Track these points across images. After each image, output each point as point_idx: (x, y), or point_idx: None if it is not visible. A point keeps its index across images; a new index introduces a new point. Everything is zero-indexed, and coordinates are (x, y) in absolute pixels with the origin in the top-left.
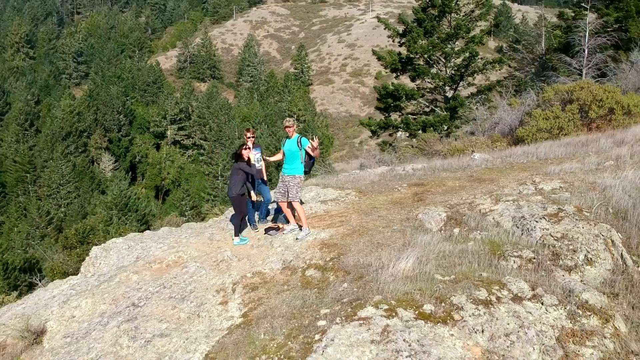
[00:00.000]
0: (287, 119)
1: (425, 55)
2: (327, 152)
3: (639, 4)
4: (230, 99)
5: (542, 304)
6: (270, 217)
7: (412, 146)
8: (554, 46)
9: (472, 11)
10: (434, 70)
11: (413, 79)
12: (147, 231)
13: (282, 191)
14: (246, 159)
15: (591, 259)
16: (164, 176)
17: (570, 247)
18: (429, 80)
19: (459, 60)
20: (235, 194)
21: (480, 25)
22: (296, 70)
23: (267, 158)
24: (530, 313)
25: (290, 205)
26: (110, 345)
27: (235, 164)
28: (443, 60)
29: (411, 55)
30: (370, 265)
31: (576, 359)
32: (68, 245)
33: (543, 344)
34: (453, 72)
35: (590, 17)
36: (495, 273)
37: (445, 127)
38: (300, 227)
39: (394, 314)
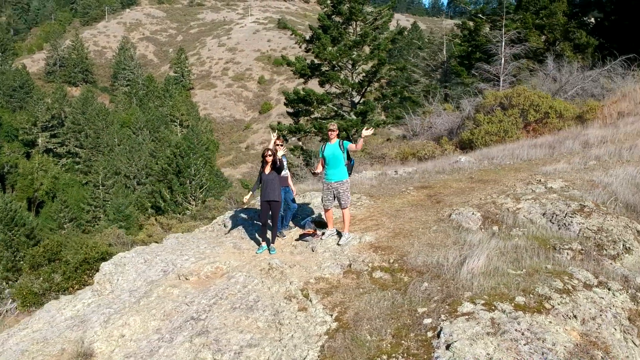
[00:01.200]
0: (332, 122)
1: (334, 62)
2: (213, 158)
3: (535, 17)
4: (106, 103)
5: (609, 289)
6: (292, 224)
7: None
8: (455, 54)
9: (375, 19)
10: (342, 76)
11: (322, 84)
12: (154, 244)
13: (330, 198)
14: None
15: (629, 247)
16: (36, 187)
17: (609, 238)
18: (337, 86)
19: (367, 67)
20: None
21: (384, 33)
22: (176, 74)
23: (317, 170)
24: (603, 298)
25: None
26: None
27: (275, 170)
28: (350, 66)
29: (319, 62)
30: (442, 265)
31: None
32: (35, 264)
33: (622, 324)
34: (361, 78)
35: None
36: (556, 265)
37: (353, 132)
38: (337, 232)
39: (493, 307)
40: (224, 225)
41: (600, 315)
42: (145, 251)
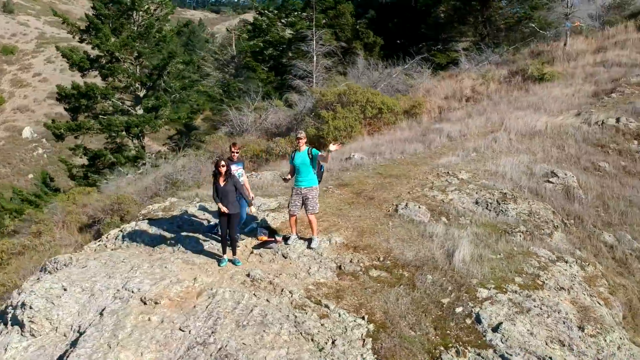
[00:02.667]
0: (301, 131)
1: (117, 54)
2: None
3: (324, 17)
4: None
5: (566, 262)
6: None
7: (197, 148)
8: (245, 49)
9: (155, 10)
10: (127, 69)
11: (104, 78)
12: (73, 269)
13: (298, 204)
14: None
15: (557, 225)
16: None
17: (541, 219)
18: (122, 80)
19: (155, 61)
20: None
21: (167, 25)
22: None
23: (287, 177)
24: (567, 270)
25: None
26: None
27: (231, 179)
28: (132, 59)
29: (100, 53)
30: (433, 257)
31: (600, 290)
32: None
33: (586, 289)
34: (149, 71)
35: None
36: (517, 246)
37: (138, 129)
38: (301, 237)
39: (504, 289)
40: (126, 240)
41: (573, 284)
42: (70, 278)
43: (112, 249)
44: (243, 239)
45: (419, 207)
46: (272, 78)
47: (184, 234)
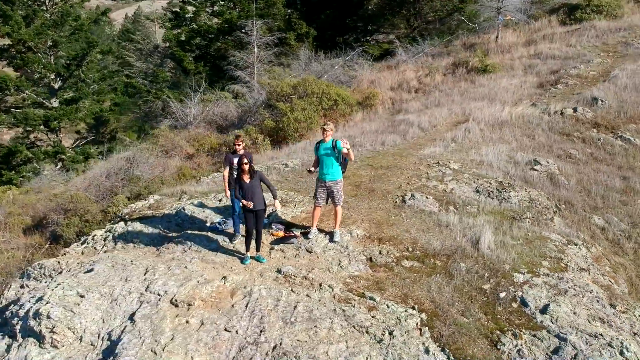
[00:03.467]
0: (328, 122)
1: (30, 43)
2: None
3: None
4: None
5: (575, 244)
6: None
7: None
8: (170, 38)
9: None
10: (41, 60)
11: (17, 69)
12: (81, 275)
13: (323, 195)
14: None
15: (555, 210)
16: None
17: (542, 205)
18: (36, 70)
19: (72, 50)
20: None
21: (83, 13)
22: None
23: (312, 169)
24: (577, 252)
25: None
26: None
27: (256, 174)
28: (46, 49)
29: (11, 42)
30: (459, 246)
31: (606, 269)
32: None
33: (597, 268)
34: (67, 62)
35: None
36: (531, 232)
37: (57, 123)
38: (320, 230)
39: (536, 273)
40: (120, 241)
41: (588, 265)
42: (82, 284)
43: (104, 251)
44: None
45: (427, 198)
46: (201, 68)
47: (189, 232)
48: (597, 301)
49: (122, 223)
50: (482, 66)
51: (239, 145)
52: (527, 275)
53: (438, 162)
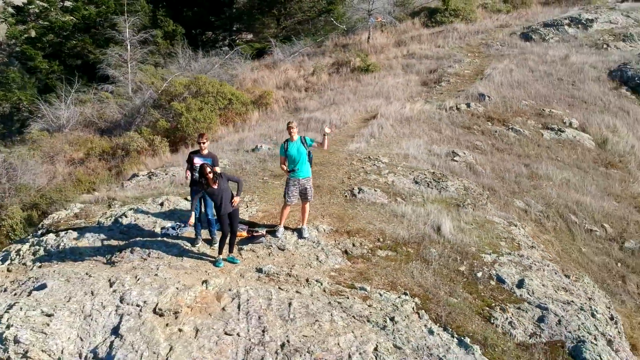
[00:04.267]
0: (292, 120)
1: None
2: None
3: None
4: None
5: (515, 225)
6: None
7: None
8: (16, 35)
9: None
10: None
11: None
12: (38, 293)
13: (296, 194)
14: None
15: (487, 196)
16: None
17: (476, 192)
18: None
19: None
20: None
21: None
22: None
23: (284, 167)
24: (520, 231)
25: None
26: None
27: (222, 178)
28: None
29: None
30: (424, 233)
31: (541, 245)
32: None
33: (538, 246)
34: None
35: None
36: (476, 216)
37: None
38: (286, 228)
39: (500, 253)
40: (55, 256)
41: (531, 242)
42: (43, 303)
43: (39, 266)
44: (215, 241)
45: (375, 190)
46: (56, 67)
47: (140, 239)
48: (555, 273)
49: (51, 235)
50: (364, 66)
51: (203, 143)
52: (493, 255)
53: (369, 157)
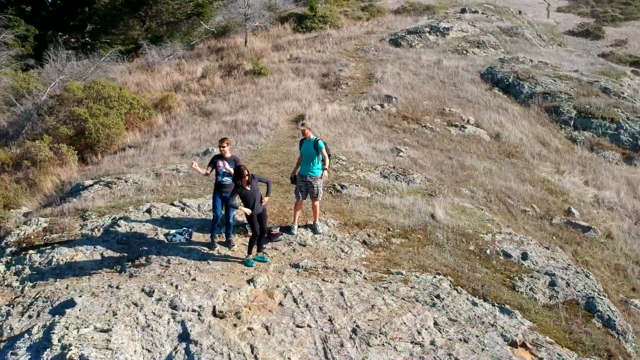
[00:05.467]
0: (306, 122)
1: None
2: None
3: None
4: None
5: (481, 210)
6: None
7: None
8: None
9: None
10: None
11: None
12: (72, 310)
13: (304, 190)
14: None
15: (449, 185)
16: None
17: (436, 184)
18: None
19: None
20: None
21: None
22: None
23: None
24: (485, 214)
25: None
26: None
27: (254, 179)
28: None
29: None
30: (423, 221)
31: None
32: None
33: (491, 217)
34: None
35: None
36: (452, 204)
37: None
38: (299, 226)
39: (492, 232)
40: (50, 273)
41: (500, 221)
42: (89, 319)
43: (32, 285)
44: (233, 243)
45: (357, 186)
46: None
47: (145, 248)
48: (539, 246)
49: (32, 252)
50: (258, 69)
51: (224, 147)
52: (489, 234)
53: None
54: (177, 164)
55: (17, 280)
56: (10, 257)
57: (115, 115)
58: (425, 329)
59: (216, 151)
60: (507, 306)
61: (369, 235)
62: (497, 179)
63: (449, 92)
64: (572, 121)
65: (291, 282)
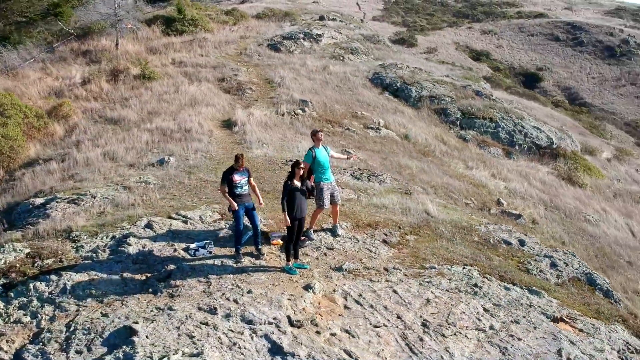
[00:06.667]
0: (320, 128)
1: None
2: None
3: None
4: None
5: (456, 201)
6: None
7: None
8: None
9: None
10: None
11: None
12: (138, 338)
13: (329, 197)
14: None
15: (413, 185)
16: None
17: (401, 182)
18: None
19: None
20: None
21: None
22: None
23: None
24: (459, 207)
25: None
26: None
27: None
28: None
29: None
30: (424, 217)
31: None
32: None
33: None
34: None
35: None
36: (430, 200)
37: None
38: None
39: (483, 224)
40: (72, 298)
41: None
42: (172, 345)
43: (50, 318)
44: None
45: (343, 188)
46: None
47: (172, 266)
48: (519, 233)
49: (33, 282)
50: (148, 73)
51: (241, 165)
52: (481, 226)
53: (290, 159)
54: (140, 176)
55: (25, 314)
56: (3, 291)
57: (13, 126)
58: (482, 315)
59: (172, 160)
60: (534, 287)
61: (385, 235)
62: (433, 176)
63: (350, 97)
64: (459, 121)
65: (344, 285)
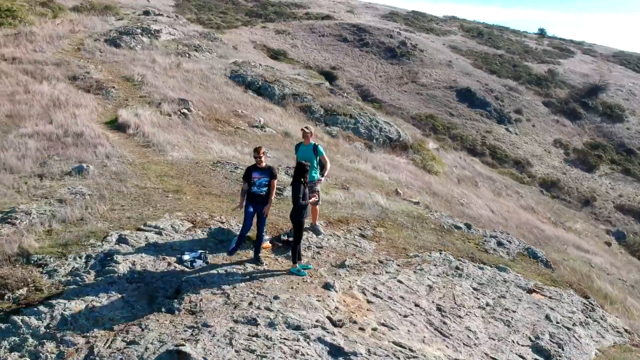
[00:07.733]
0: (309, 126)
1: None
2: None
3: None
4: None
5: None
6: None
7: None
8: None
9: None
10: None
11: None
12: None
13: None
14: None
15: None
16: None
17: (343, 179)
18: None
19: None
20: None
21: None
22: None
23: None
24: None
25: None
26: None
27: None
28: None
29: None
30: (380, 210)
31: None
32: None
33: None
34: None
35: None
36: (374, 192)
37: None
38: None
39: (429, 212)
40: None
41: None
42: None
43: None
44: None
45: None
46: None
47: (174, 280)
48: (492, 219)
49: (20, 316)
50: None
51: (261, 157)
52: (429, 214)
53: (218, 162)
54: (66, 187)
55: (23, 356)
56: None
57: None
58: (475, 292)
59: (92, 168)
60: (501, 265)
61: (360, 229)
62: (338, 171)
63: (219, 95)
64: (323, 118)
65: (356, 281)
